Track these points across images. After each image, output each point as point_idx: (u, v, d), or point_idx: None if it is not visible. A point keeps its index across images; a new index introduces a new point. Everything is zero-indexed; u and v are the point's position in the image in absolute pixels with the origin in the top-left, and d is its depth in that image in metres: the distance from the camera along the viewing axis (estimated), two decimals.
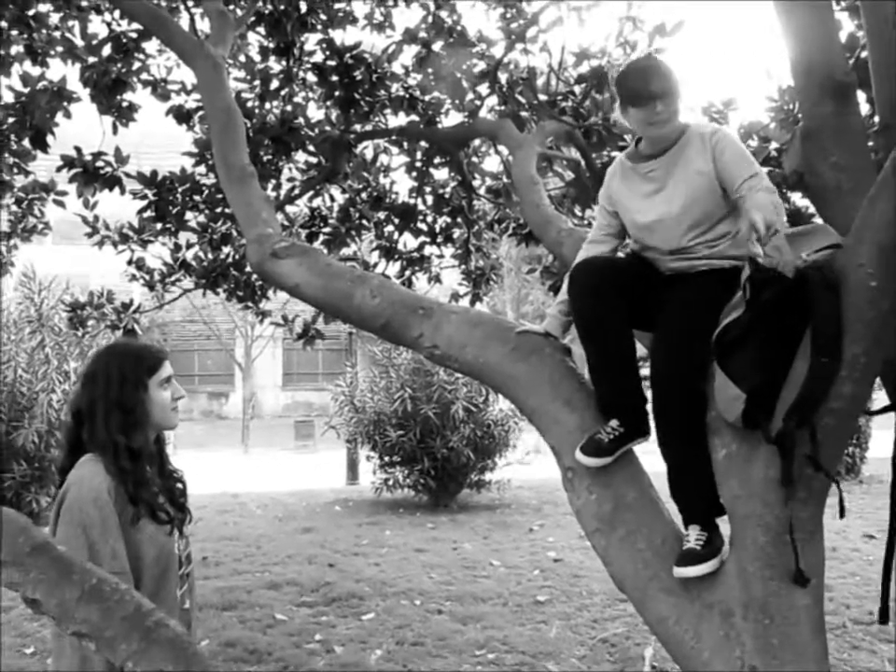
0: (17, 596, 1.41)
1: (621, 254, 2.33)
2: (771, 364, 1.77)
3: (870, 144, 2.73)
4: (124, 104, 5.50)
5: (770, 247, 1.72)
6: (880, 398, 2.34)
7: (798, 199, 4.69)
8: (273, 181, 5.91)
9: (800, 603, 1.77)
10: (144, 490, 1.99)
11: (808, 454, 1.72)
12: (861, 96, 2.78)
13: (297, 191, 5.98)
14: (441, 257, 6.81)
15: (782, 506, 1.76)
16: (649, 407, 2.08)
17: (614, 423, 2.04)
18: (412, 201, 6.37)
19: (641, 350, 2.23)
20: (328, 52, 5.44)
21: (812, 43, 2.27)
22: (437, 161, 6.17)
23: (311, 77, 5.69)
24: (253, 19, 5.24)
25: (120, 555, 1.88)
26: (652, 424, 2.05)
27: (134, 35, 5.30)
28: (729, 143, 2.10)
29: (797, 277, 1.75)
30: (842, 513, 1.86)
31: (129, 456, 1.97)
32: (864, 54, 3.10)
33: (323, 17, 5.44)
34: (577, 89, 5.41)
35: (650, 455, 2.14)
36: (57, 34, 5.37)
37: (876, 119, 2.35)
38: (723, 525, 1.96)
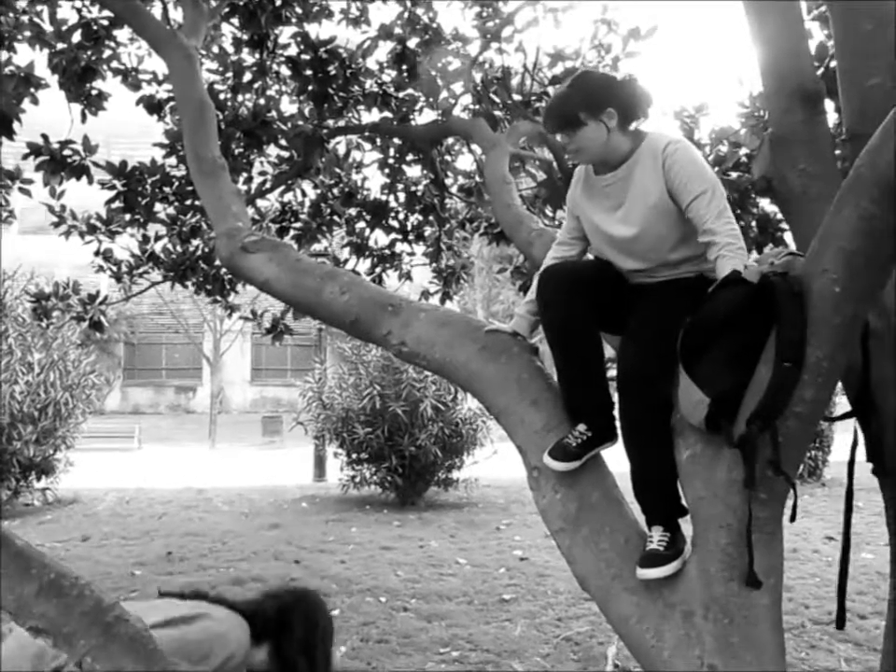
0: None
1: (589, 256, 2.34)
2: (735, 369, 1.79)
3: (837, 152, 2.77)
4: (94, 92, 5.41)
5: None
6: (842, 402, 2.38)
7: (767, 204, 4.76)
8: (245, 175, 5.86)
9: (759, 603, 1.80)
10: None
11: (770, 457, 1.75)
12: (829, 105, 2.83)
13: (268, 185, 5.93)
14: (412, 254, 6.80)
15: (744, 508, 1.78)
16: (616, 412, 2.09)
17: (582, 427, 2.05)
18: (384, 197, 6.35)
19: (609, 352, 2.24)
20: (302, 46, 5.40)
21: (782, 51, 2.30)
22: (410, 158, 6.16)
23: (284, 71, 5.64)
24: (227, 10, 5.18)
25: None
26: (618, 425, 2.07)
27: (106, 23, 5.21)
28: (679, 159, 2.02)
29: (761, 283, 1.77)
30: (793, 517, 1.89)
31: None
32: (833, 64, 3.15)
33: (298, 10, 5.40)
34: (551, 90, 5.43)
35: (614, 454, 2.16)
36: (25, 18, 5.26)
37: (844, 127, 2.39)
38: (686, 525, 1.98)
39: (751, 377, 1.78)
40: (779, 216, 4.77)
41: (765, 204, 4.80)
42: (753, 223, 4.74)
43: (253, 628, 2.20)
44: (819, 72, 3.59)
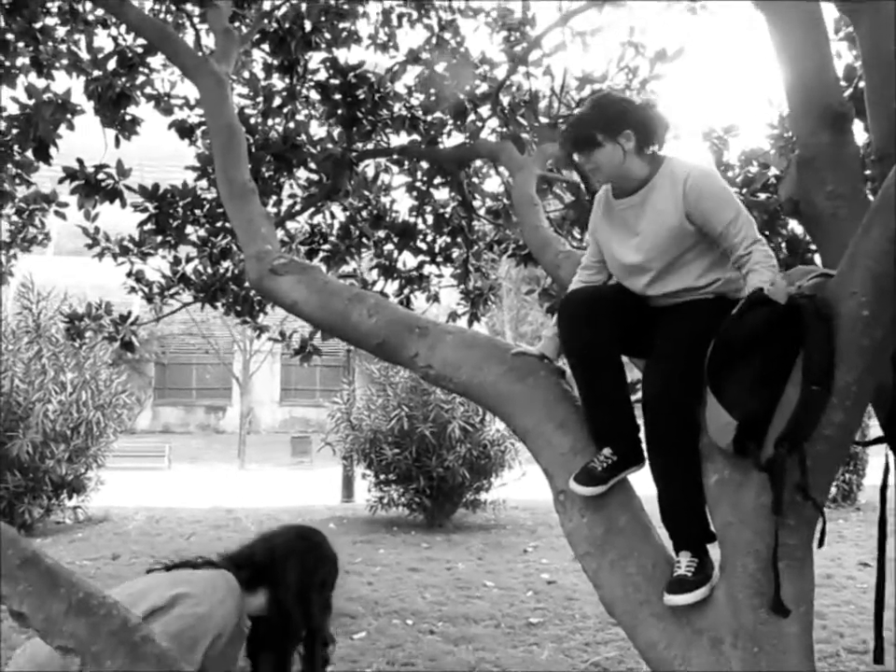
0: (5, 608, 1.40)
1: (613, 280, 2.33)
2: (763, 391, 1.77)
3: (867, 172, 2.75)
4: (127, 117, 5.53)
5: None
6: (876, 425, 2.34)
7: (796, 226, 4.72)
8: (274, 197, 5.93)
9: (789, 631, 1.77)
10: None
11: (798, 482, 1.72)
12: (858, 125, 2.81)
13: (297, 208, 6.00)
14: (440, 276, 6.83)
15: (772, 534, 1.75)
16: (642, 435, 2.08)
17: (607, 451, 2.04)
18: (412, 220, 6.39)
19: (634, 374, 2.23)
20: (331, 71, 5.48)
21: (807, 72, 2.29)
22: (437, 180, 6.20)
23: (314, 95, 5.72)
24: (258, 36, 5.28)
25: None
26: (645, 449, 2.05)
27: (140, 50, 5.33)
28: (704, 188, 2.02)
29: (789, 304, 1.76)
30: (821, 542, 1.85)
31: (322, 644, 2.26)
32: (862, 84, 3.13)
33: (327, 36, 5.48)
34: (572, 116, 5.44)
35: (642, 478, 2.14)
36: (63, 46, 5.41)
37: (873, 148, 2.37)
38: (714, 550, 1.96)
39: (779, 399, 1.76)
40: (808, 237, 4.73)
41: (795, 226, 4.76)
42: (783, 244, 4.70)
43: (247, 575, 2.11)
44: (848, 93, 3.57)
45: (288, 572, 2.15)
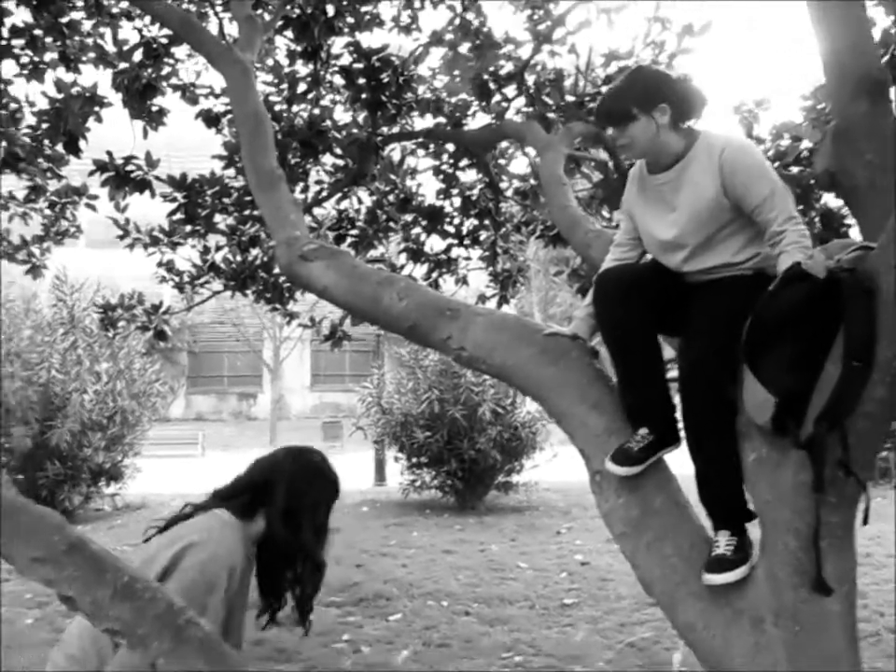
0: (52, 593, 1.43)
1: (648, 257, 2.31)
2: (802, 368, 1.74)
3: None
4: (154, 108, 5.57)
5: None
6: None
7: (831, 199, 4.63)
8: (301, 184, 5.95)
9: (831, 610, 1.75)
10: (288, 599, 2.12)
11: (840, 459, 1.70)
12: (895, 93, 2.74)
13: (324, 194, 6.01)
14: (468, 259, 6.81)
15: (813, 511, 1.73)
16: (678, 414, 2.06)
17: (643, 431, 2.02)
18: (439, 203, 6.38)
19: (669, 353, 2.21)
20: (355, 55, 5.46)
21: (845, 40, 2.23)
22: (464, 163, 6.18)
23: (338, 80, 5.72)
24: (281, 23, 5.27)
25: (218, 624, 1.90)
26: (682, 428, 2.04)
27: (164, 41, 5.35)
28: (739, 161, 1.98)
29: (829, 279, 1.72)
30: (865, 520, 1.82)
31: (312, 568, 2.10)
32: None
33: (350, 20, 5.46)
34: (604, 90, 5.38)
35: (679, 457, 2.13)
36: (89, 40, 5.45)
37: None
38: (752, 528, 1.94)
39: (819, 376, 1.73)
40: (843, 210, 4.64)
41: (829, 199, 4.67)
42: (817, 219, 4.62)
43: (245, 501, 2.06)
44: (884, 60, 3.49)
45: (276, 494, 2.08)
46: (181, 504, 2.18)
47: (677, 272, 2.15)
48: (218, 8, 5.14)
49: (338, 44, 5.60)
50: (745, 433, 1.91)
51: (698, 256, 2.08)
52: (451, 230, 6.53)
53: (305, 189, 6.03)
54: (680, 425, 2.04)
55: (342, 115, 5.96)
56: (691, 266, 2.10)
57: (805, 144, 4.54)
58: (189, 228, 5.92)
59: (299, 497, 2.09)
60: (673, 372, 2.06)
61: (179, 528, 1.99)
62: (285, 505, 2.06)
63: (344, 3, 5.36)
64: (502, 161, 6.31)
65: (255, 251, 6.19)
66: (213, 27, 5.14)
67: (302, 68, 5.70)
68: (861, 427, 1.70)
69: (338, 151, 5.77)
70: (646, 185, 2.17)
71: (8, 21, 5.05)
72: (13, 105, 5.43)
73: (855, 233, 3.68)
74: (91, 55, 5.45)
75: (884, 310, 1.65)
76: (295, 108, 5.77)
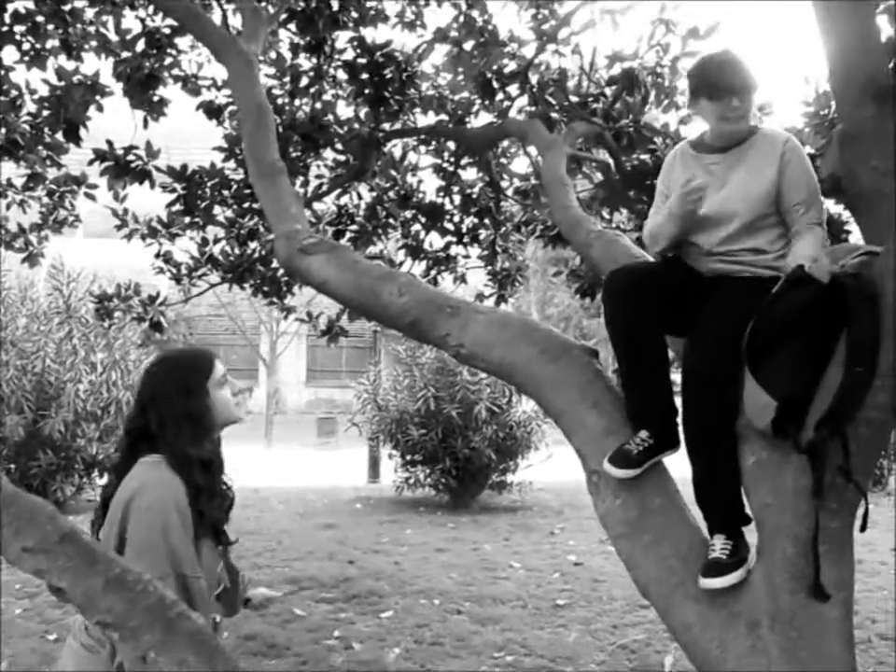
0: (42, 583, 1.42)
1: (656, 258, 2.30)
2: (804, 372, 1.74)
3: None
4: (155, 98, 5.54)
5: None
6: None
7: (831, 205, 4.63)
8: (301, 178, 5.92)
9: (828, 616, 1.74)
10: (214, 507, 2.01)
11: (840, 464, 1.69)
12: None
13: (325, 188, 5.99)
14: (467, 257, 6.80)
15: (813, 516, 1.72)
16: (679, 418, 2.05)
17: (643, 434, 2.01)
18: (439, 200, 6.36)
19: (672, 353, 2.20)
20: (358, 50, 5.44)
21: (853, 45, 2.22)
22: (465, 160, 6.16)
23: (341, 75, 5.69)
24: (285, 15, 5.25)
25: (196, 562, 1.86)
26: (681, 430, 2.03)
27: (168, 31, 5.33)
28: (798, 159, 2.11)
29: (832, 283, 1.72)
30: (863, 527, 1.81)
31: (202, 468, 1.98)
32: None
33: (354, 14, 5.44)
34: (608, 91, 5.37)
35: (677, 460, 2.12)
36: (92, 28, 5.42)
37: None
38: (749, 532, 1.93)
39: (820, 380, 1.73)
40: (844, 217, 4.64)
41: (829, 205, 4.66)
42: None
43: (149, 441, 1.97)
44: (891, 64, 3.47)
45: (151, 420, 1.98)
46: None
47: (707, 254, 2.15)
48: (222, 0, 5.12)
49: (342, 38, 5.58)
50: (745, 436, 1.90)
51: (740, 236, 2.11)
52: (450, 227, 6.51)
53: (305, 184, 6.00)
54: (680, 426, 2.03)
55: (344, 110, 5.94)
56: (727, 245, 2.12)
57: (808, 149, 4.53)
58: (187, 219, 5.90)
59: (165, 404, 1.99)
60: (676, 376, 2.05)
61: (115, 500, 1.93)
62: (158, 418, 1.97)
63: None
64: (504, 160, 6.30)
65: (253, 244, 6.17)
66: (216, 18, 5.12)
67: (306, 62, 5.67)
68: (862, 432, 1.70)
69: (339, 146, 5.75)
70: (692, 164, 2.21)
71: (10, 7, 5.02)
72: (14, 92, 5.40)
73: (854, 239, 3.67)
74: (94, 43, 5.42)
75: (887, 315, 1.64)
76: (297, 102, 5.74)
